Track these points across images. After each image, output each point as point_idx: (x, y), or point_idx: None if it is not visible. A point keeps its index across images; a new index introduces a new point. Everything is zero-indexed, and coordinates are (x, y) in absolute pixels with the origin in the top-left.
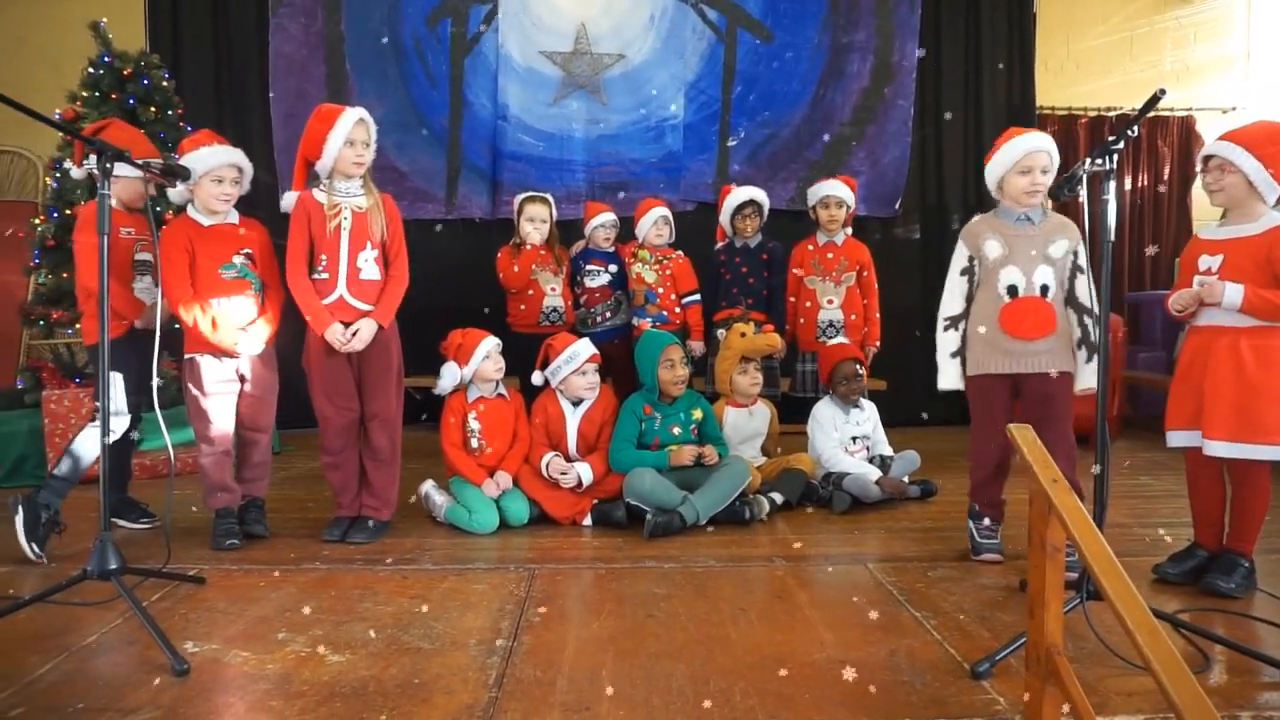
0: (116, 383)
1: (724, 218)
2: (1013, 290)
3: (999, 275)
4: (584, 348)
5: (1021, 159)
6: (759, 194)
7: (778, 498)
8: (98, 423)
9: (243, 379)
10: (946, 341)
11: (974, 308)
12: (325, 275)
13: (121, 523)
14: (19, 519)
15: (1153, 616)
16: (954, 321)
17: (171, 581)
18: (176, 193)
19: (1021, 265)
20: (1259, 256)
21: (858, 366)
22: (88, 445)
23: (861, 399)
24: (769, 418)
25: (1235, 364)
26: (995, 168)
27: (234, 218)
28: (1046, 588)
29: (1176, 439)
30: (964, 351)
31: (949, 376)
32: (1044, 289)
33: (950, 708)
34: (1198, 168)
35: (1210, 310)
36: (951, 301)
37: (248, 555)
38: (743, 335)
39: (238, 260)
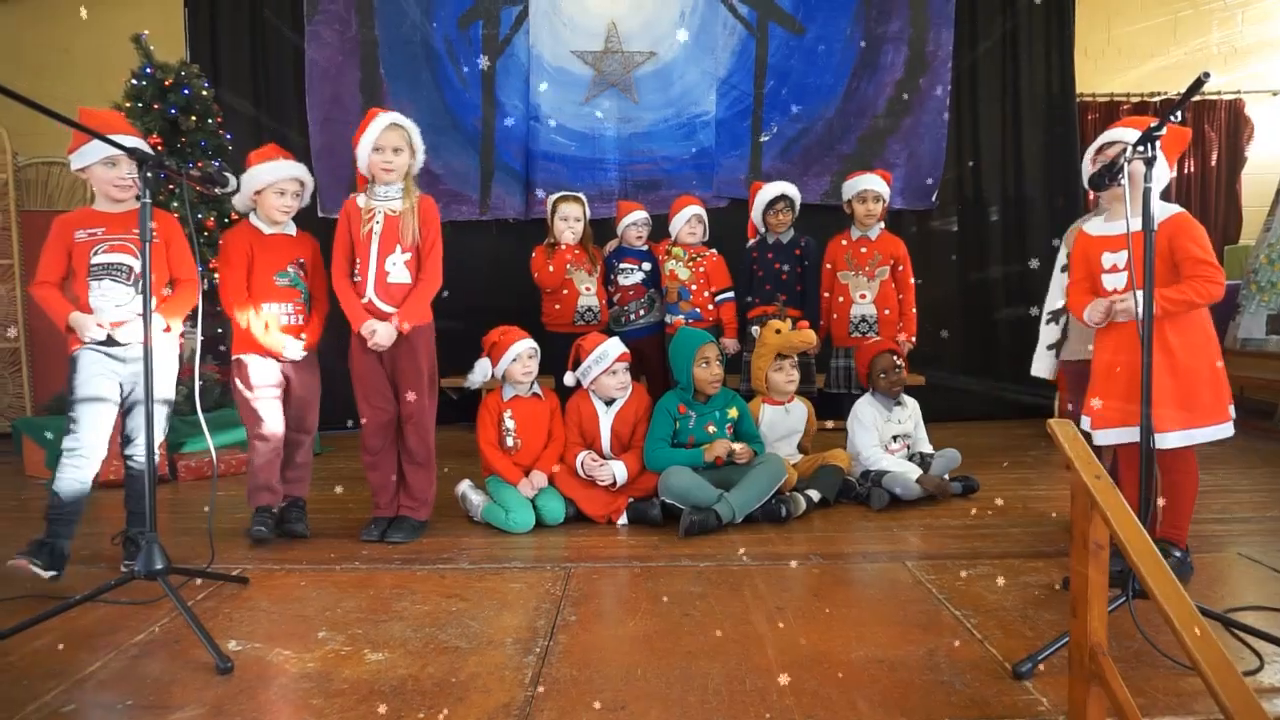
0: (86, 413)
1: (755, 214)
2: None
3: None
4: (613, 347)
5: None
6: (790, 189)
7: (814, 495)
8: (66, 459)
9: (288, 381)
10: (1046, 334)
11: None
12: (359, 279)
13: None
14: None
15: (1201, 615)
16: (1055, 316)
17: (215, 581)
18: (241, 201)
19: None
20: (1161, 248)
21: (895, 359)
22: (62, 483)
23: (904, 394)
24: (806, 415)
25: (1167, 356)
26: (1086, 169)
27: (291, 229)
28: (1090, 586)
29: (1110, 437)
30: (1061, 343)
31: (1041, 366)
32: None
33: (992, 708)
34: (1088, 154)
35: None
36: (1052, 297)
37: (289, 555)
38: (778, 332)
39: (291, 269)
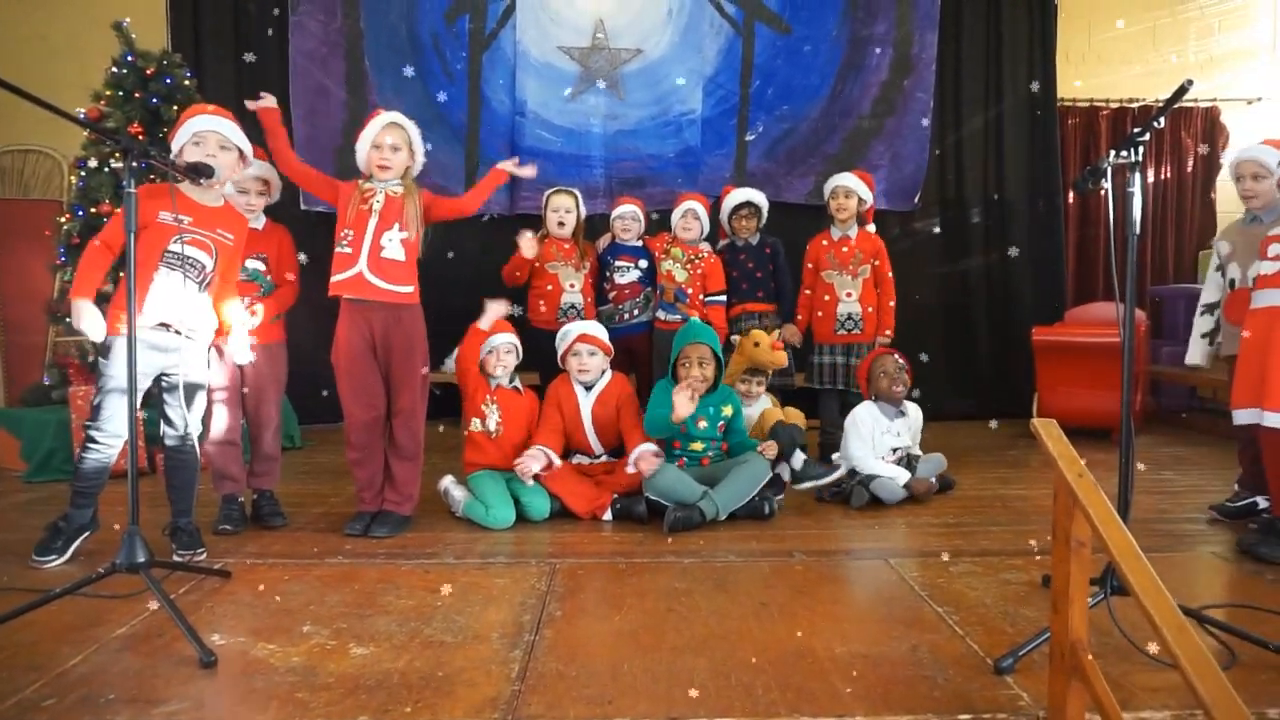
0: (112, 402)
1: (723, 217)
2: (1232, 283)
3: (1227, 270)
4: (576, 328)
5: (1233, 168)
6: (757, 195)
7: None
8: (89, 443)
9: (243, 374)
10: (1200, 324)
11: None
12: (349, 250)
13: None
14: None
15: (1180, 612)
16: (1208, 309)
17: (198, 575)
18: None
19: (1241, 260)
20: None
21: (899, 360)
22: (85, 461)
23: (907, 404)
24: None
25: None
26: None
27: (259, 222)
28: (1071, 583)
29: (1242, 417)
30: (1214, 333)
31: (1194, 354)
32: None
33: (974, 702)
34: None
35: (1268, 293)
36: (1206, 291)
37: (271, 549)
38: (756, 345)
39: (250, 264)
